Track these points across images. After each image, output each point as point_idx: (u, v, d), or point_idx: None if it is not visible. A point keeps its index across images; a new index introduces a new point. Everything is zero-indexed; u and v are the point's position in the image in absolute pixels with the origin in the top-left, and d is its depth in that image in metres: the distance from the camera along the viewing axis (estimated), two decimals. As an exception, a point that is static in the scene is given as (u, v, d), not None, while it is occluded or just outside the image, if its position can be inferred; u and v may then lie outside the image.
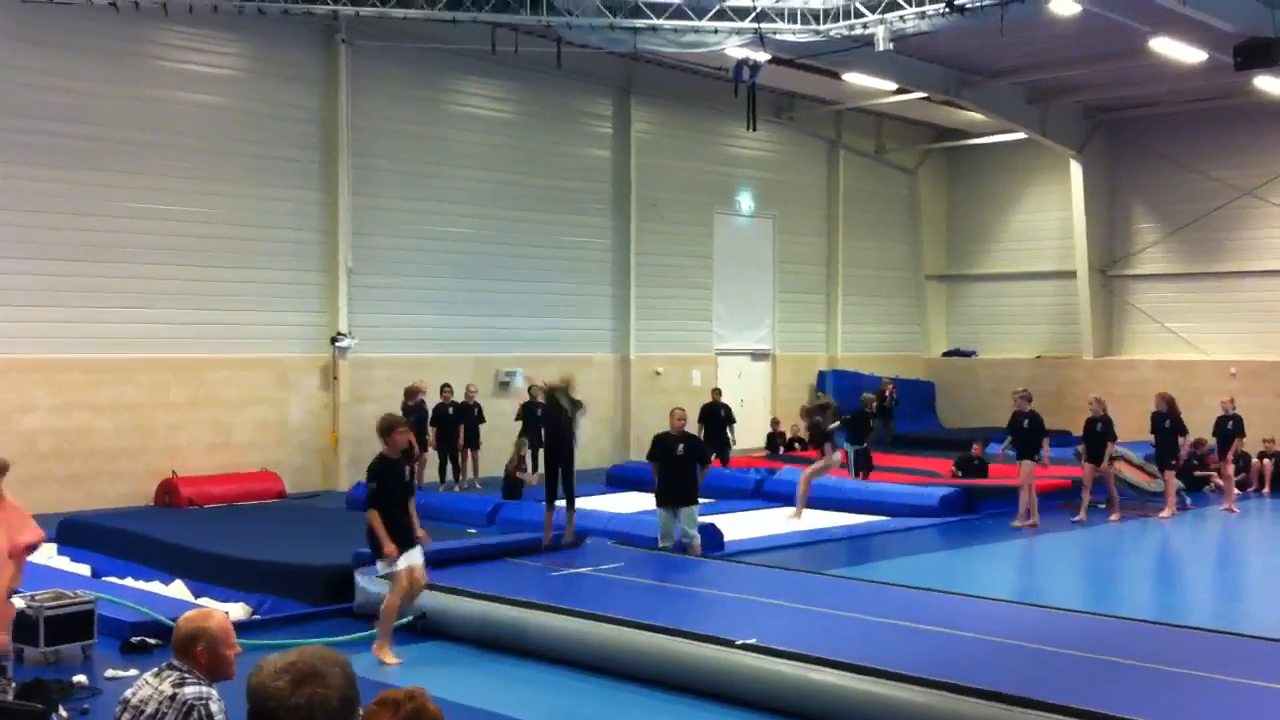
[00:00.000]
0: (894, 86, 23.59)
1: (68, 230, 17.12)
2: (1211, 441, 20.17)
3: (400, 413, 18.54)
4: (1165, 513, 17.73)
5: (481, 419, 19.78)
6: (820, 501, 17.63)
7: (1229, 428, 19.19)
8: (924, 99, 25.10)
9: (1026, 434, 16.70)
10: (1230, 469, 19.33)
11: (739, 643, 8.46)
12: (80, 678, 8.60)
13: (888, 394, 24.83)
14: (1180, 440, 17.95)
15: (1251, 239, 25.73)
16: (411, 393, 18.74)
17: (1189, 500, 19.14)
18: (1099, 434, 17.26)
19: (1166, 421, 17.82)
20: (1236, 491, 20.77)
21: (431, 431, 19.13)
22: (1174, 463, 17.94)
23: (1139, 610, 10.84)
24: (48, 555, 13.23)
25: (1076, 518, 17.12)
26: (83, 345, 17.30)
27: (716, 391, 21.87)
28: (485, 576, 10.88)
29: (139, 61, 17.87)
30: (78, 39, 17.14)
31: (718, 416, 21.10)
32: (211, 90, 18.57)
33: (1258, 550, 17.04)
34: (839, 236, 28.17)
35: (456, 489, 18.99)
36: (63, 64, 17.04)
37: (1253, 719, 6.95)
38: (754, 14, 17.67)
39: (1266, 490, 20.91)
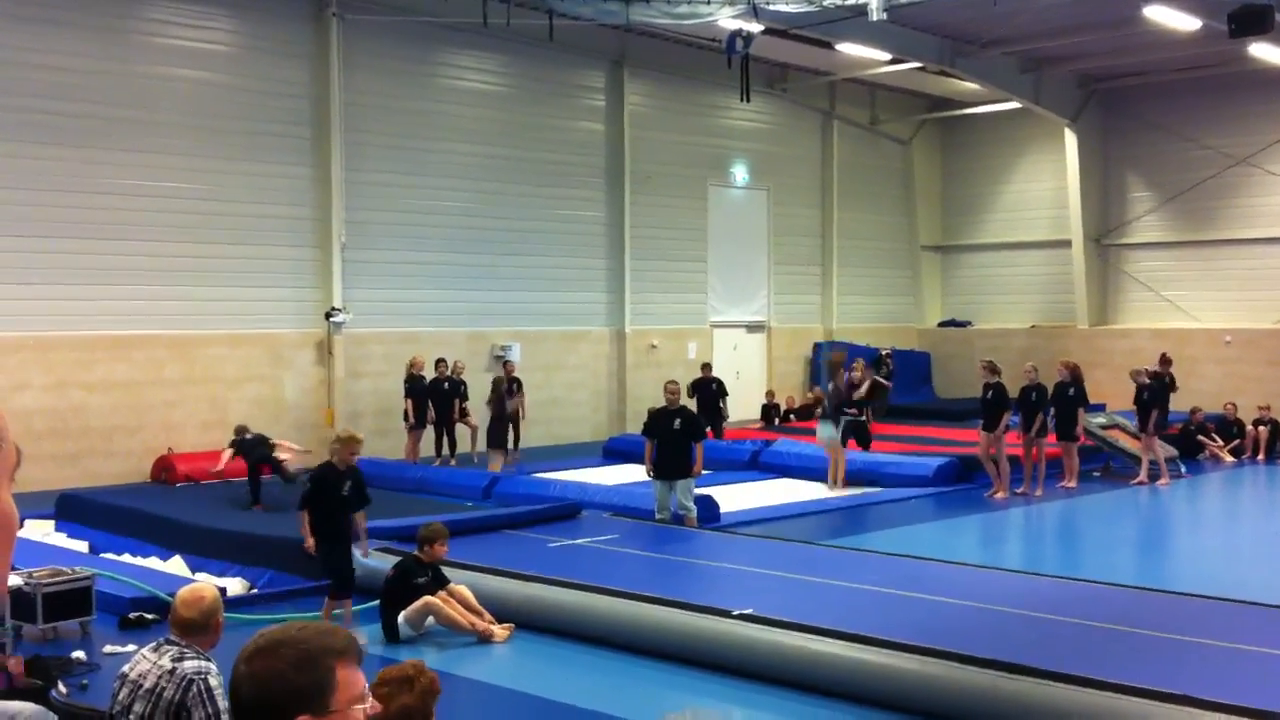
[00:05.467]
0: (888, 57, 23.51)
1: (60, 208, 17.04)
2: (1205, 410, 20.15)
3: (403, 385, 18.87)
4: (1069, 483, 17.39)
5: (465, 395, 19.67)
6: (814, 473, 17.68)
7: (1144, 398, 18.17)
8: (918, 69, 25.02)
9: (990, 405, 16.55)
10: (1153, 441, 18.20)
11: (735, 613, 8.50)
12: (79, 654, 8.63)
13: (886, 365, 24.81)
14: (1080, 411, 17.38)
15: (1246, 207, 25.72)
16: (415, 365, 18.97)
17: (1184, 469, 19.16)
18: (1034, 403, 16.78)
19: (1070, 390, 17.34)
20: (1231, 459, 20.89)
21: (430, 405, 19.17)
22: (1075, 434, 17.39)
23: (1122, 577, 10.90)
24: (44, 532, 13.28)
25: (1020, 490, 16.76)
26: (76, 323, 17.27)
27: (707, 366, 21.89)
28: (483, 549, 10.92)
29: (128, 38, 17.76)
30: (65, 14, 17.03)
31: (709, 390, 21.10)
32: (202, 66, 18.47)
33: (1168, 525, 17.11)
34: (833, 208, 28.13)
35: (453, 463, 19.02)
36: (51, 40, 16.94)
37: (1239, 681, 7.00)
38: (747, -15, 17.57)
39: (1262, 457, 20.96)
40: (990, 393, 16.58)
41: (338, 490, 9.53)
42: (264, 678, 2.29)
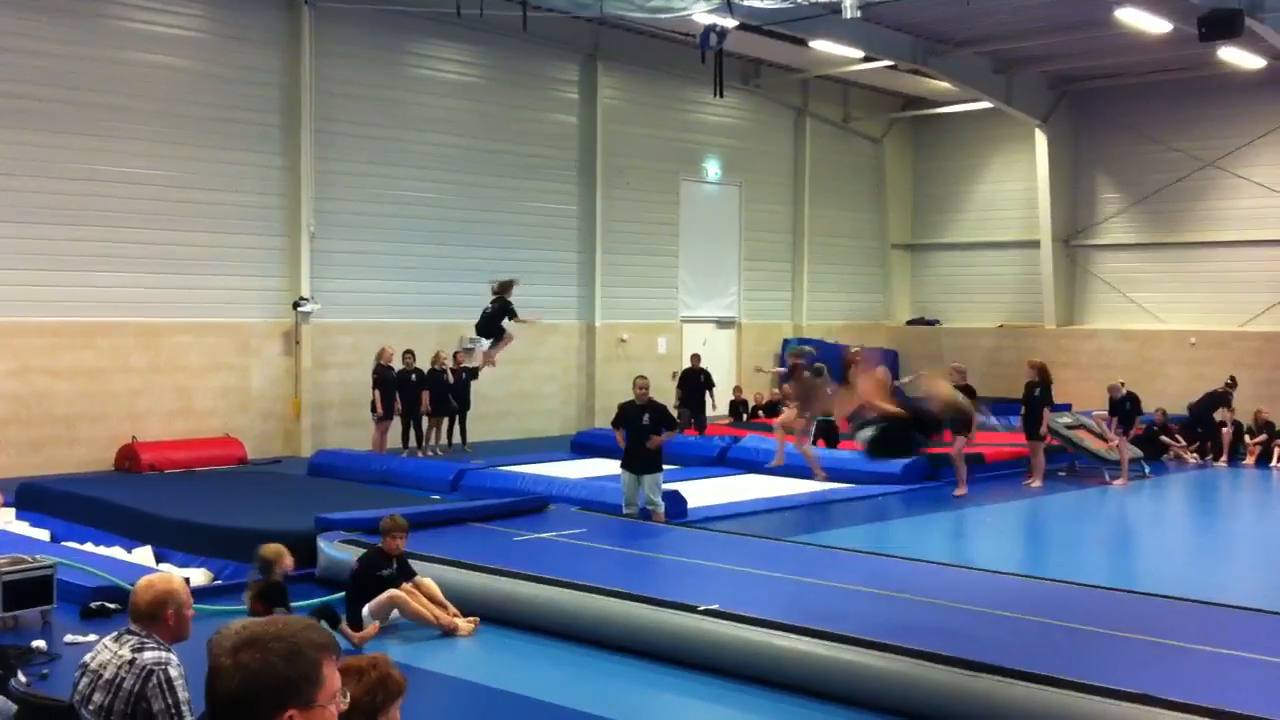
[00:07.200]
0: (861, 54, 23.55)
1: (27, 193, 16.88)
2: (1171, 412, 20.34)
3: (371, 376, 18.83)
4: (1034, 482, 17.58)
5: (454, 385, 19.74)
6: (785, 468, 17.69)
7: (1127, 407, 18.56)
8: (891, 67, 25.09)
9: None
10: (1124, 444, 18.58)
11: (701, 608, 8.50)
12: (39, 643, 8.55)
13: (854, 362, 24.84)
14: (1046, 410, 17.58)
15: (1213, 210, 25.91)
16: (384, 356, 19.02)
17: (1147, 469, 19.32)
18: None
19: (1036, 390, 17.51)
20: (1194, 458, 21.12)
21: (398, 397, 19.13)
22: (1041, 434, 17.56)
23: (1093, 576, 10.97)
24: (5, 520, 13.14)
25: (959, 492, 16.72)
26: (42, 309, 17.10)
27: (696, 357, 21.93)
28: (449, 542, 10.87)
29: (99, 22, 17.59)
30: (35, -3, 16.88)
31: (697, 381, 21.14)
32: (173, 52, 18.32)
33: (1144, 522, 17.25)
34: (805, 205, 28.18)
35: (420, 454, 18.97)
36: (21, 24, 16.75)
37: (1202, 682, 7.05)
38: (721, -20, 17.54)
39: (1225, 459, 21.14)
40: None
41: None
42: (255, 670, 2.27)
